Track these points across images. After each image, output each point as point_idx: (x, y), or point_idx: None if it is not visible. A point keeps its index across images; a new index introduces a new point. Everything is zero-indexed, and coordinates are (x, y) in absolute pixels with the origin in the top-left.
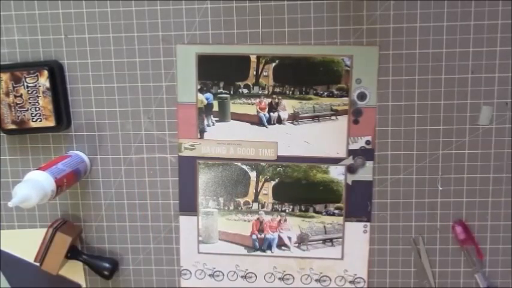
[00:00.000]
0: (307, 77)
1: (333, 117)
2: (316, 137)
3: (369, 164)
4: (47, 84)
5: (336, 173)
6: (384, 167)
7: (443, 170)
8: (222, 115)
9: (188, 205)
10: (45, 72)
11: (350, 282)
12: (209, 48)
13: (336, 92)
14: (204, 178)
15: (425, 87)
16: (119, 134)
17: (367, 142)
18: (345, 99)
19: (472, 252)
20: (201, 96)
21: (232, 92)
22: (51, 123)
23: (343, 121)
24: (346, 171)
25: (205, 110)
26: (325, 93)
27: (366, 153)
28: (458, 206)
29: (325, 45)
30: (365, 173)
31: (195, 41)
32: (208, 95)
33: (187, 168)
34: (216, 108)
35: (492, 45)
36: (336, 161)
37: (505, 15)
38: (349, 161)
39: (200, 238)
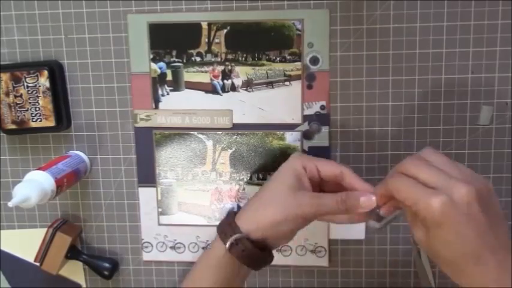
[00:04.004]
0: (259, 43)
1: (287, 83)
2: (271, 103)
3: (325, 129)
4: (47, 84)
5: (292, 139)
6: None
7: None
8: (176, 84)
9: (146, 177)
10: (45, 72)
11: (311, 251)
12: (160, 17)
13: (288, 57)
14: (161, 149)
15: (425, 87)
16: (119, 134)
17: (322, 107)
18: (298, 64)
19: None
20: (154, 66)
21: (185, 61)
22: (51, 123)
23: (296, 86)
24: (302, 137)
25: (159, 80)
26: (278, 59)
27: (320, 119)
28: None
29: (272, 9)
30: (321, 139)
31: (143, 10)
32: (161, 64)
33: (144, 139)
34: (169, 77)
35: (492, 45)
36: (291, 127)
37: (505, 15)
38: (305, 126)
39: (160, 210)
